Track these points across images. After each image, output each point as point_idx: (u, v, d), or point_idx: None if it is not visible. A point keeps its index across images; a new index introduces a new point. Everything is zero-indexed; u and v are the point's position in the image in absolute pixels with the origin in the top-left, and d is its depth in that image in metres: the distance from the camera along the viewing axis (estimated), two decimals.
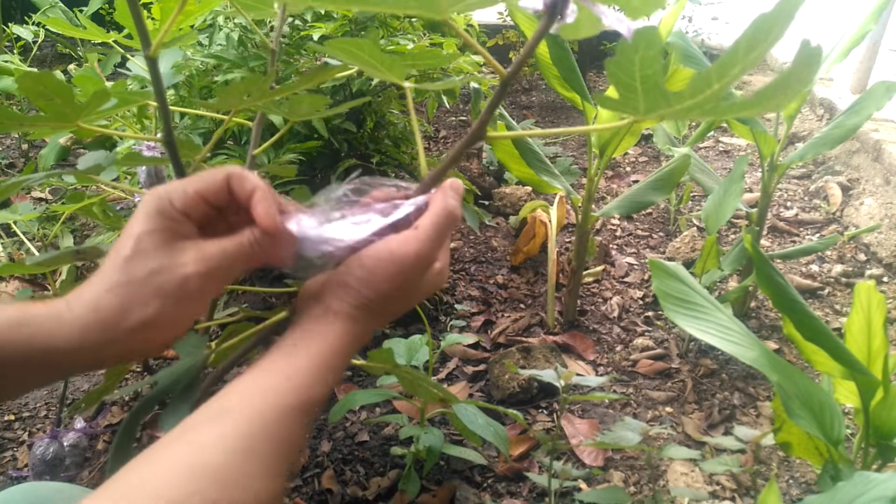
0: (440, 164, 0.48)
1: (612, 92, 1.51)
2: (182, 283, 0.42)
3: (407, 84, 0.51)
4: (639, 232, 2.18)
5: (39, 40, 2.25)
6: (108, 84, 1.15)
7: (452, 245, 2.00)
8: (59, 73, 1.83)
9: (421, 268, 0.46)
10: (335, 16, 1.39)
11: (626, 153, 2.66)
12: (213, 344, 0.59)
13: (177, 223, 0.43)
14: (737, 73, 0.36)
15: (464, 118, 3.01)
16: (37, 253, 1.22)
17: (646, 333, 1.68)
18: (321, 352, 0.42)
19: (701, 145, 2.82)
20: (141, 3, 0.79)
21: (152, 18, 1.14)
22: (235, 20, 1.37)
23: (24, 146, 2.50)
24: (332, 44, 0.46)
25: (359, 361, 0.76)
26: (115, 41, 0.85)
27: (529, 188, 2.20)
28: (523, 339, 1.63)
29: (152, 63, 0.50)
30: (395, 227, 0.46)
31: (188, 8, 0.71)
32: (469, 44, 0.46)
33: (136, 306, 0.41)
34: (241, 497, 0.34)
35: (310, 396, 0.40)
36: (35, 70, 1.43)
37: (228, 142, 1.40)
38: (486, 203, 2.25)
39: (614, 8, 0.40)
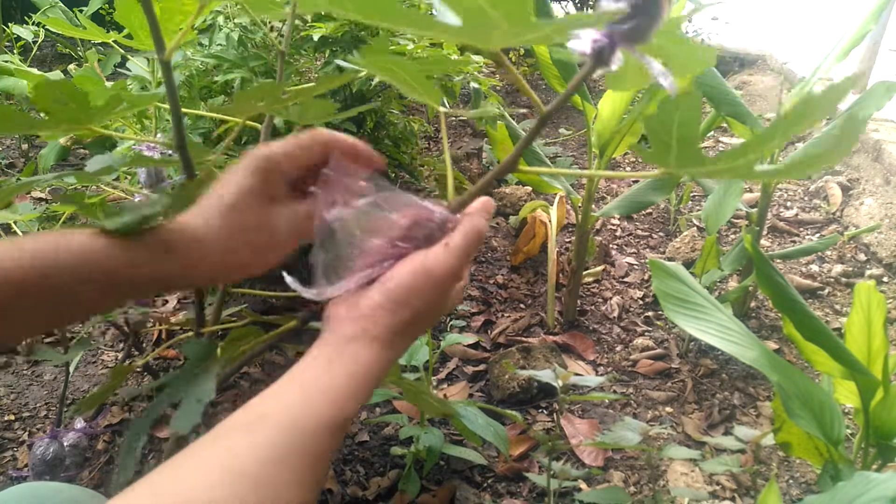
0: (470, 191, 0.49)
1: (609, 103, 1.51)
2: (271, 240, 0.47)
3: (442, 109, 0.52)
4: (639, 232, 2.18)
5: (39, 40, 2.25)
6: (108, 84, 1.15)
7: None
8: (59, 74, 1.84)
9: (451, 285, 0.46)
10: (335, 16, 1.39)
11: (626, 153, 2.66)
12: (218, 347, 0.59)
13: (276, 185, 0.47)
14: (774, 146, 0.37)
15: (464, 118, 3.01)
16: None
17: (646, 333, 1.68)
18: (356, 373, 0.42)
19: (701, 145, 2.82)
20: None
21: None
22: (235, 20, 1.37)
23: (25, 146, 2.50)
24: (373, 61, 0.46)
25: None
26: (115, 41, 0.85)
27: (529, 188, 2.20)
28: (523, 339, 1.63)
29: (166, 66, 0.50)
30: (417, 244, 0.46)
31: (188, 8, 0.71)
32: (516, 79, 0.46)
33: (225, 252, 0.45)
34: None
35: (344, 414, 0.41)
36: (43, 74, 1.43)
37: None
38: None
39: (660, 61, 0.40)
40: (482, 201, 0.49)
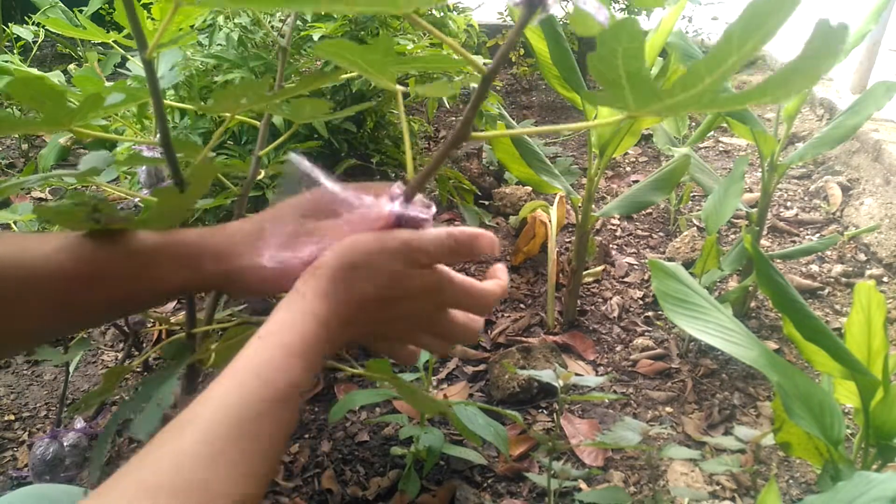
0: (425, 168, 0.47)
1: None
2: (304, 260, 0.46)
3: (399, 87, 0.51)
4: (639, 232, 2.18)
5: (39, 40, 2.25)
6: (108, 84, 1.15)
7: None
8: (59, 74, 1.84)
9: (406, 256, 0.44)
10: (335, 16, 1.39)
11: (626, 153, 2.66)
12: (213, 346, 0.59)
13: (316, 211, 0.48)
14: (730, 66, 0.32)
15: (460, 116, 3.01)
16: None
17: (646, 333, 1.68)
18: (285, 342, 0.40)
19: (701, 145, 2.82)
20: (142, 2, 0.79)
21: (152, 19, 1.14)
22: (235, 20, 1.37)
23: (25, 146, 2.49)
24: (320, 47, 0.46)
25: (357, 370, 0.75)
26: (115, 41, 0.85)
27: (529, 188, 2.20)
28: (523, 339, 1.63)
29: (148, 66, 0.50)
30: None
31: (187, 8, 0.71)
32: (452, 47, 0.45)
33: (256, 260, 0.47)
34: None
35: (277, 392, 0.38)
36: (43, 74, 1.43)
37: (228, 142, 1.40)
38: (486, 203, 2.25)
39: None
40: (498, 269, 0.54)
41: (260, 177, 0.69)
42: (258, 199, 1.28)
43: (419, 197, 0.47)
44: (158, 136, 0.53)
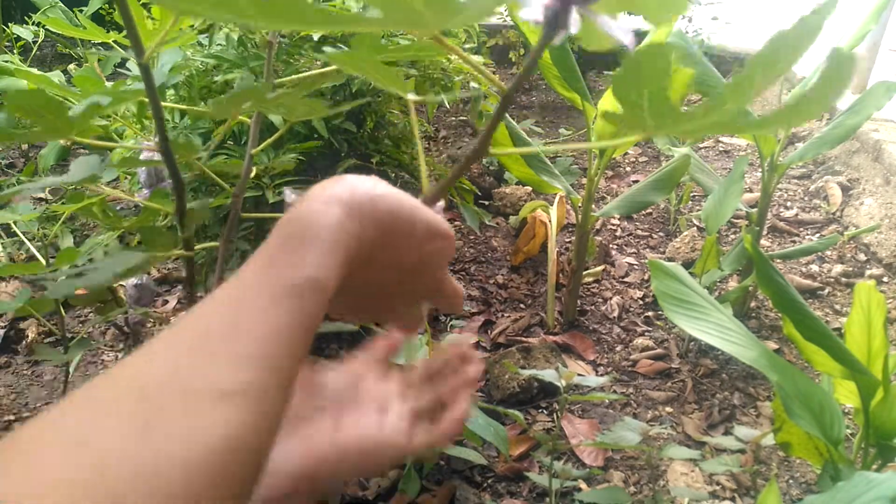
0: (443, 180, 0.47)
1: (609, 103, 1.49)
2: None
3: (411, 96, 0.51)
4: (639, 232, 2.18)
5: (39, 40, 2.25)
6: (108, 84, 1.15)
7: None
8: (59, 74, 1.84)
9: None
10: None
11: (626, 153, 2.66)
12: None
13: None
14: (753, 94, 0.33)
15: (464, 118, 3.01)
16: (37, 253, 1.22)
17: (646, 333, 1.68)
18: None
19: (701, 145, 2.82)
20: (141, 2, 0.79)
21: (152, 19, 1.14)
22: None
23: (24, 146, 2.50)
24: (334, 56, 0.46)
25: None
26: (115, 41, 0.85)
27: (529, 188, 2.20)
28: (523, 339, 1.63)
29: (145, 70, 0.50)
30: None
31: None
32: (476, 68, 0.45)
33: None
34: None
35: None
36: (43, 74, 1.43)
37: (228, 142, 1.40)
38: (486, 203, 2.25)
39: (626, 14, 0.39)
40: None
41: (253, 174, 0.69)
42: (258, 200, 1.28)
43: (439, 204, 0.47)
44: (158, 139, 0.53)
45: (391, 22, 0.33)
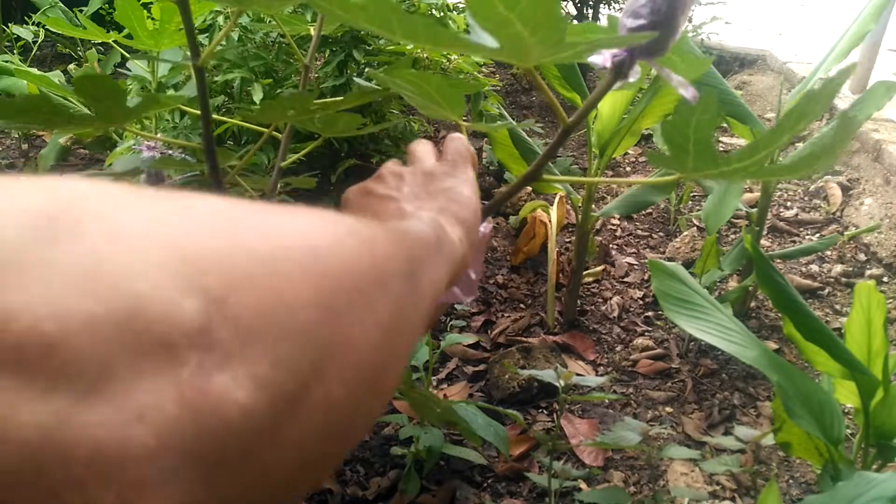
0: (496, 199, 0.50)
1: (609, 104, 1.51)
2: None
3: (465, 124, 0.53)
4: (639, 232, 2.18)
5: (39, 40, 2.25)
6: None
7: None
8: (58, 74, 1.84)
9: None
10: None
11: (626, 153, 2.66)
12: None
13: None
14: (783, 142, 0.38)
15: (464, 118, 3.01)
16: None
17: (646, 333, 1.68)
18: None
19: None
20: (141, 2, 0.79)
21: (152, 18, 1.14)
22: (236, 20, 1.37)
23: (25, 146, 2.49)
24: (398, 74, 0.47)
25: None
26: (115, 41, 0.85)
27: (529, 188, 2.20)
28: (523, 339, 1.63)
29: (199, 72, 0.51)
30: None
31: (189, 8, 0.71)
32: (546, 94, 0.47)
33: None
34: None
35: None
36: (43, 74, 1.43)
37: (229, 142, 1.40)
38: (486, 203, 2.25)
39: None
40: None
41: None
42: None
43: (487, 224, 0.50)
44: (203, 140, 0.54)
45: (503, 53, 0.36)
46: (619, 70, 0.41)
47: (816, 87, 0.36)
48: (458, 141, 0.45)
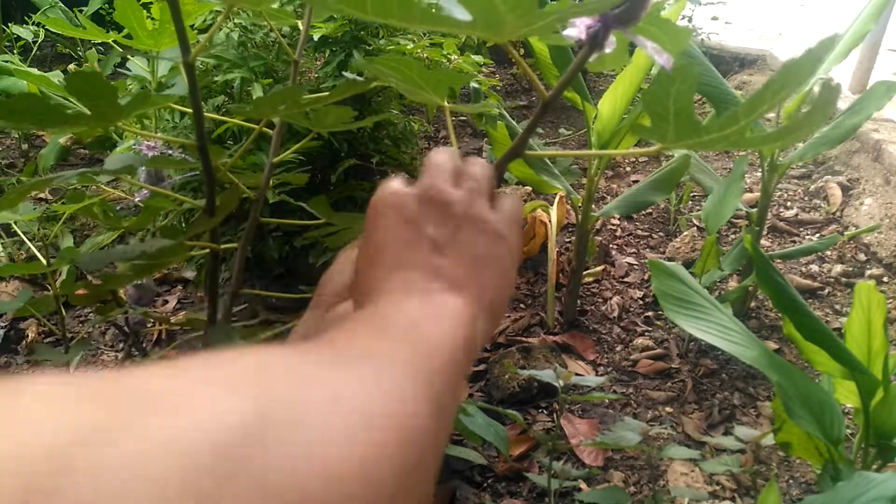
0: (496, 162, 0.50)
1: (608, 104, 1.51)
2: None
3: (447, 105, 0.52)
4: (639, 232, 2.18)
5: (39, 40, 2.25)
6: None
7: None
8: (58, 74, 1.84)
9: (411, 206, 0.36)
10: (335, 16, 1.39)
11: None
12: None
13: None
14: (763, 111, 0.38)
15: (464, 118, 3.01)
16: (37, 253, 1.22)
17: (646, 333, 1.68)
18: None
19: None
20: (141, 2, 0.79)
21: (151, 18, 1.14)
22: (235, 20, 1.37)
23: (25, 146, 2.49)
24: (382, 62, 0.47)
25: None
26: (115, 41, 0.85)
27: (529, 188, 2.20)
28: (523, 339, 1.63)
29: (189, 69, 0.50)
30: None
31: (187, 8, 0.71)
32: (522, 67, 0.47)
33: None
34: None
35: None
36: (43, 74, 1.43)
37: (229, 141, 1.40)
38: None
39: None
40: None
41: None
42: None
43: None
44: (196, 138, 0.53)
45: (477, 25, 0.37)
46: (595, 40, 0.41)
47: (815, 89, 0.36)
48: (481, 167, 0.40)
